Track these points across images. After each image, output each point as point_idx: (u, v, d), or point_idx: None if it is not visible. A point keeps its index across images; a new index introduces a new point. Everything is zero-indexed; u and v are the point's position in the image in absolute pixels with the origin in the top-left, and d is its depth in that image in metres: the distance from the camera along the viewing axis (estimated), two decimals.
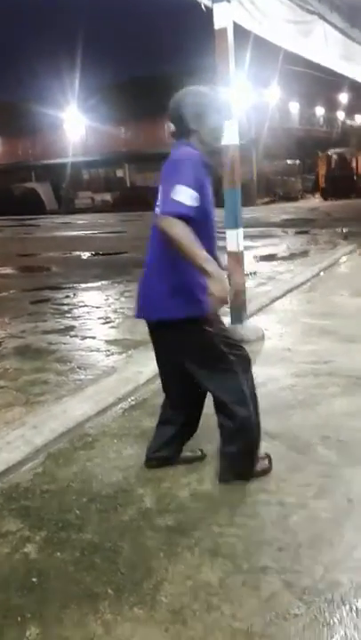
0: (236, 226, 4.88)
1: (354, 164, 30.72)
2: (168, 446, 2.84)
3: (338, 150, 31.29)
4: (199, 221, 2.32)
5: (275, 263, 9.93)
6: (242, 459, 2.69)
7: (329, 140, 37.97)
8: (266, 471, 2.75)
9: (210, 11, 4.69)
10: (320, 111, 42.74)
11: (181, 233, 2.21)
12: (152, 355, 2.81)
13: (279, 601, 1.98)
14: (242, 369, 2.59)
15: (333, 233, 14.34)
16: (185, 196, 2.24)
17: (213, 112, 2.49)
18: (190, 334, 2.52)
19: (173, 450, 2.86)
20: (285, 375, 4.12)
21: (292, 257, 10.61)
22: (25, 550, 2.35)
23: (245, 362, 2.63)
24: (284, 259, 10.46)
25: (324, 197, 30.11)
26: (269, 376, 4.11)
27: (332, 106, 43.05)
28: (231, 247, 4.94)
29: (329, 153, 31.08)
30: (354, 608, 1.93)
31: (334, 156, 30.78)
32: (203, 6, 4.64)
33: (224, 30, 4.68)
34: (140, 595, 2.06)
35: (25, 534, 2.45)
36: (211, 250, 2.41)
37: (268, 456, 2.81)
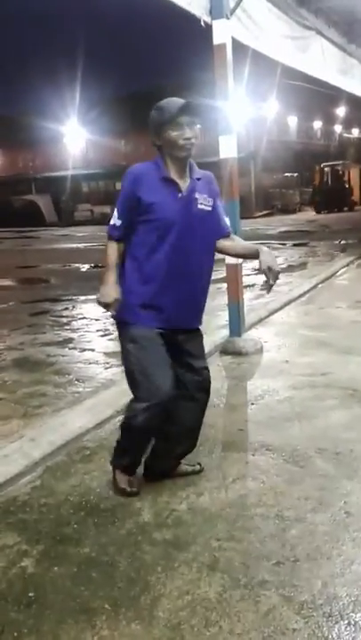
0: None
1: (346, 178, 30.66)
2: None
3: (331, 164, 31.26)
4: (148, 229, 2.54)
5: None
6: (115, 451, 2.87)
7: (327, 153, 38.21)
8: (119, 488, 2.79)
9: (209, 27, 4.75)
10: (318, 124, 43.06)
11: (105, 250, 2.63)
12: None
13: (277, 616, 1.97)
14: (148, 399, 2.55)
15: (331, 245, 14.40)
16: (112, 218, 2.60)
17: (166, 124, 2.48)
18: (119, 335, 2.72)
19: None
20: (283, 387, 4.12)
21: (290, 269, 10.65)
22: (22, 564, 2.34)
23: (154, 397, 2.54)
24: (282, 271, 10.47)
25: (317, 210, 29.99)
26: (268, 388, 4.12)
27: (329, 119, 43.38)
28: (230, 259, 4.96)
29: (322, 166, 30.99)
30: (352, 622, 1.92)
31: (327, 170, 30.69)
32: (202, 22, 4.70)
33: (223, 46, 4.73)
34: (138, 610, 2.05)
35: (22, 548, 2.44)
36: (173, 254, 2.54)
37: (135, 490, 2.77)
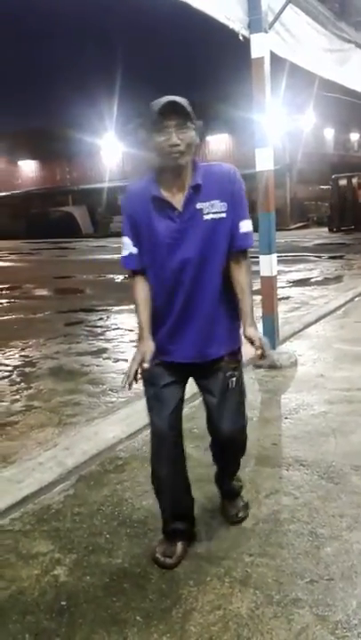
0: (269, 251, 4.88)
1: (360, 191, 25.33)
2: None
3: (346, 175, 26.38)
4: (148, 262, 2.26)
5: (308, 288, 9.87)
6: None
7: None
8: (153, 557, 2.40)
9: (247, 40, 4.77)
10: (355, 136, 42.69)
11: (131, 292, 2.31)
12: None
13: (311, 635, 1.94)
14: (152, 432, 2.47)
15: None
16: (124, 247, 2.29)
17: (152, 129, 2.10)
18: None
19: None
20: (318, 402, 4.07)
21: (325, 282, 10.53)
22: (55, 573, 2.36)
23: (153, 436, 2.46)
24: (317, 283, 10.39)
25: (330, 228, 25.11)
26: (302, 402, 4.07)
27: None
28: (265, 272, 4.94)
29: (334, 178, 26.06)
30: None
31: (341, 182, 25.70)
32: (240, 36, 4.71)
33: (261, 59, 4.75)
34: (169, 623, 2.04)
35: (55, 556, 2.46)
36: (169, 286, 2.22)
37: (170, 562, 2.36)
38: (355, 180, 25.88)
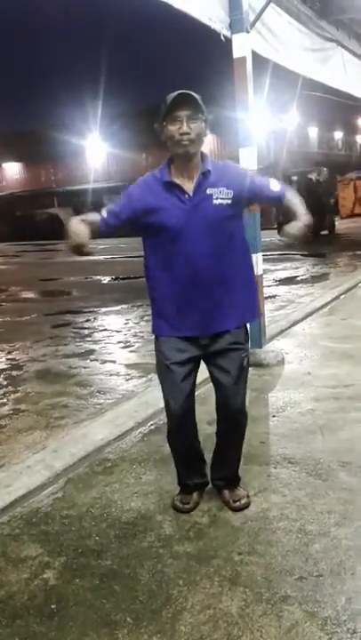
0: (255, 250, 4.89)
1: (323, 190, 20.93)
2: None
3: (303, 171, 22.46)
4: (155, 237, 2.42)
5: (294, 286, 9.91)
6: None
7: (348, 164, 38.05)
8: (172, 504, 2.78)
9: (229, 40, 4.78)
10: (339, 135, 42.99)
11: None
12: None
13: (301, 631, 1.95)
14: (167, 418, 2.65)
15: (353, 255, 14.28)
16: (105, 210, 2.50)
17: (165, 118, 2.31)
18: None
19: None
20: (306, 399, 4.09)
21: (311, 280, 10.58)
22: (44, 576, 2.35)
23: (168, 420, 2.64)
24: (303, 282, 10.43)
25: (280, 233, 19.82)
26: (290, 400, 4.09)
27: (350, 129, 43.31)
28: None
29: (292, 176, 21.25)
30: None
31: (295, 179, 21.03)
32: (222, 36, 4.72)
33: (243, 59, 4.75)
34: (160, 623, 2.04)
35: (44, 560, 2.45)
36: (179, 266, 2.40)
37: (188, 507, 2.74)
38: (313, 176, 21.91)
